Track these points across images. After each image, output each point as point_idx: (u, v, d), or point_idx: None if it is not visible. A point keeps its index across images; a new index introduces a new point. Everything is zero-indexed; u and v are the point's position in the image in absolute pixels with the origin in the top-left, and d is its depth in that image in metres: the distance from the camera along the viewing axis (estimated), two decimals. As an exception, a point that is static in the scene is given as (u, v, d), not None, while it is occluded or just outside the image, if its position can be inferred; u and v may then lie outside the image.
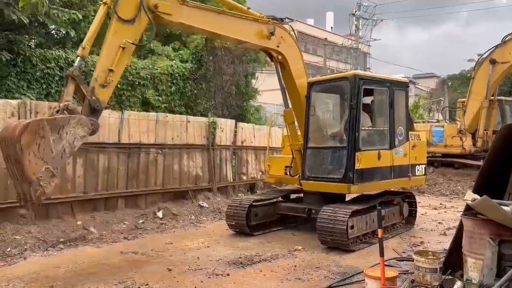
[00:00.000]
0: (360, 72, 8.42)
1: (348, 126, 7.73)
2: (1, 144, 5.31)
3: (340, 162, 7.83)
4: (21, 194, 5.31)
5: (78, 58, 5.81)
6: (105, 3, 5.86)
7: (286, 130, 9.23)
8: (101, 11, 5.90)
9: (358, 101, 7.68)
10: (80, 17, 10.31)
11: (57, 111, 5.49)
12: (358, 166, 7.54)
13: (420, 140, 9.23)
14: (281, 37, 8.09)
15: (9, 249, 6.97)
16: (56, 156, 5.18)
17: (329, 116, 9.74)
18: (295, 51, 8.50)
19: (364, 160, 7.67)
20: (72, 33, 10.76)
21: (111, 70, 5.83)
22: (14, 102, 7.85)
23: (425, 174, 9.37)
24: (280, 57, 8.19)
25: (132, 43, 6.00)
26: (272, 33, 7.80)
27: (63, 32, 11.94)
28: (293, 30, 8.64)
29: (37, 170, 5.02)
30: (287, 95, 8.57)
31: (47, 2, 8.93)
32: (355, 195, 8.43)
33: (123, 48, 5.88)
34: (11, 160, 5.17)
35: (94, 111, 5.75)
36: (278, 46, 8.05)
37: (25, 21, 8.62)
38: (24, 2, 8.12)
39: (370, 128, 8.37)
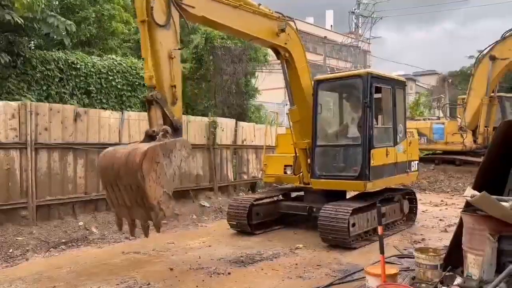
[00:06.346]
0: (373, 70, 8.39)
1: (362, 124, 7.75)
2: (104, 171, 5.24)
3: (355, 160, 7.82)
4: (131, 220, 5.35)
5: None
6: (143, 21, 5.58)
7: (281, 129, 9.16)
8: (143, 31, 5.63)
9: (371, 99, 7.73)
10: (74, 29, 10.62)
11: (153, 135, 5.39)
12: (373, 163, 7.58)
13: (413, 137, 9.46)
14: (288, 34, 7.99)
15: (11, 250, 7.01)
16: (169, 179, 5.23)
17: (338, 114, 9.66)
18: (300, 49, 8.40)
19: (377, 157, 7.72)
20: (67, 42, 10.97)
21: (173, 86, 5.76)
22: (14, 103, 7.89)
23: (417, 170, 9.56)
24: (287, 54, 8.09)
25: (179, 49, 5.97)
26: (283, 30, 7.72)
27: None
28: (296, 27, 8.50)
29: (158, 195, 5.04)
30: (292, 93, 8.44)
31: (42, 1, 8.97)
32: (355, 193, 8.44)
33: (173, 58, 5.80)
34: (119, 188, 5.11)
35: (177, 130, 5.73)
36: (285, 44, 7.95)
37: (19, 21, 8.62)
38: (18, 2, 8.14)
39: (381, 126, 8.47)
